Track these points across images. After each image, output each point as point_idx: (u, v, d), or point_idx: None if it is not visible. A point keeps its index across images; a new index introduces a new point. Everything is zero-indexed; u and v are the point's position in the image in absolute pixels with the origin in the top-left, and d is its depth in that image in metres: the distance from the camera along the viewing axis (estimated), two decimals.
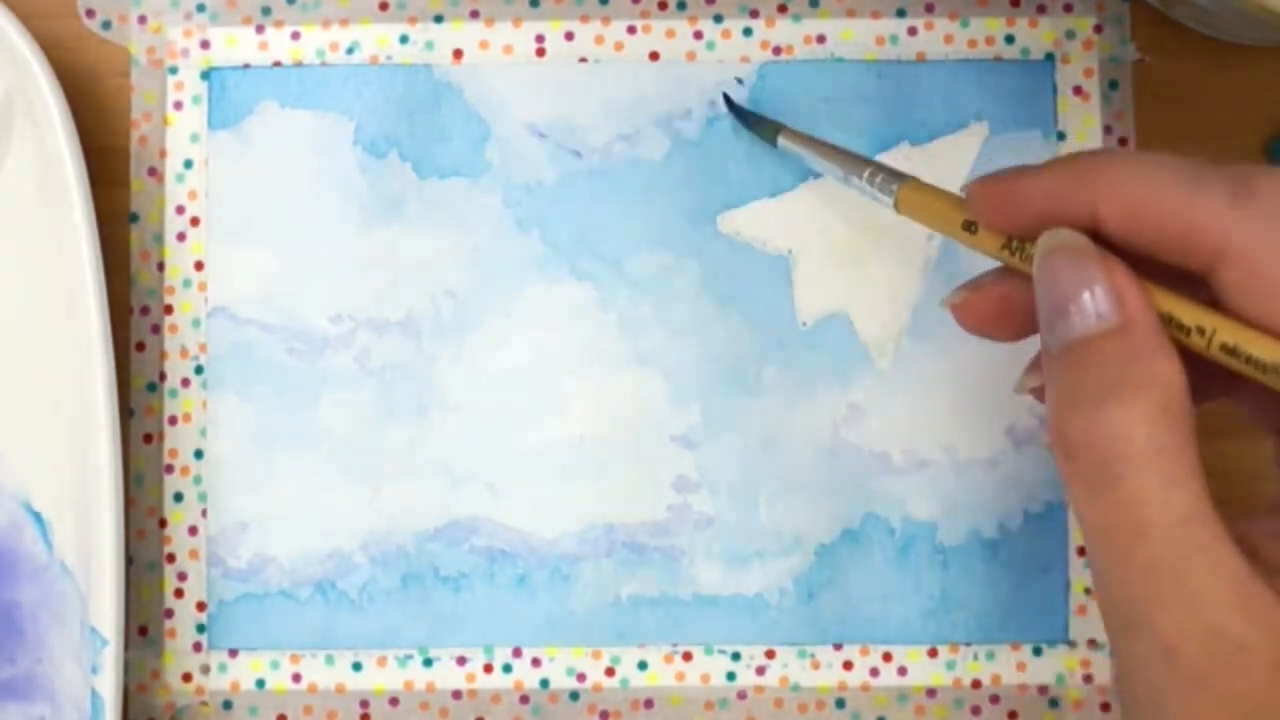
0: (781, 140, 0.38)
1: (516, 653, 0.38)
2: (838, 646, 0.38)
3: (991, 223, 0.29)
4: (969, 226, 0.30)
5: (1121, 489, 0.26)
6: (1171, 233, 0.27)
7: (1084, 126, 0.39)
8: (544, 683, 0.38)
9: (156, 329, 0.39)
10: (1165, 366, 0.26)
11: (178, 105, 0.39)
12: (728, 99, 0.39)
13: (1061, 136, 0.39)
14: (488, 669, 0.38)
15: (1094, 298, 0.27)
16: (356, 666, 0.38)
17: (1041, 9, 0.39)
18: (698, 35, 0.39)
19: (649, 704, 0.38)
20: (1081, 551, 0.38)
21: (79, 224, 0.36)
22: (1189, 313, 0.27)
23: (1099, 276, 0.27)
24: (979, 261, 0.39)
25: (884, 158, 0.39)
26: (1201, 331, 0.26)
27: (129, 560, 0.38)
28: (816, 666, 0.38)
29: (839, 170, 0.35)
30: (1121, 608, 0.26)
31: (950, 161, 0.39)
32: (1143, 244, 0.27)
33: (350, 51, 0.39)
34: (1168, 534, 0.25)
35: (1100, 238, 0.27)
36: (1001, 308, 0.30)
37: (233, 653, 0.38)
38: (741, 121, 0.39)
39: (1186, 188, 0.26)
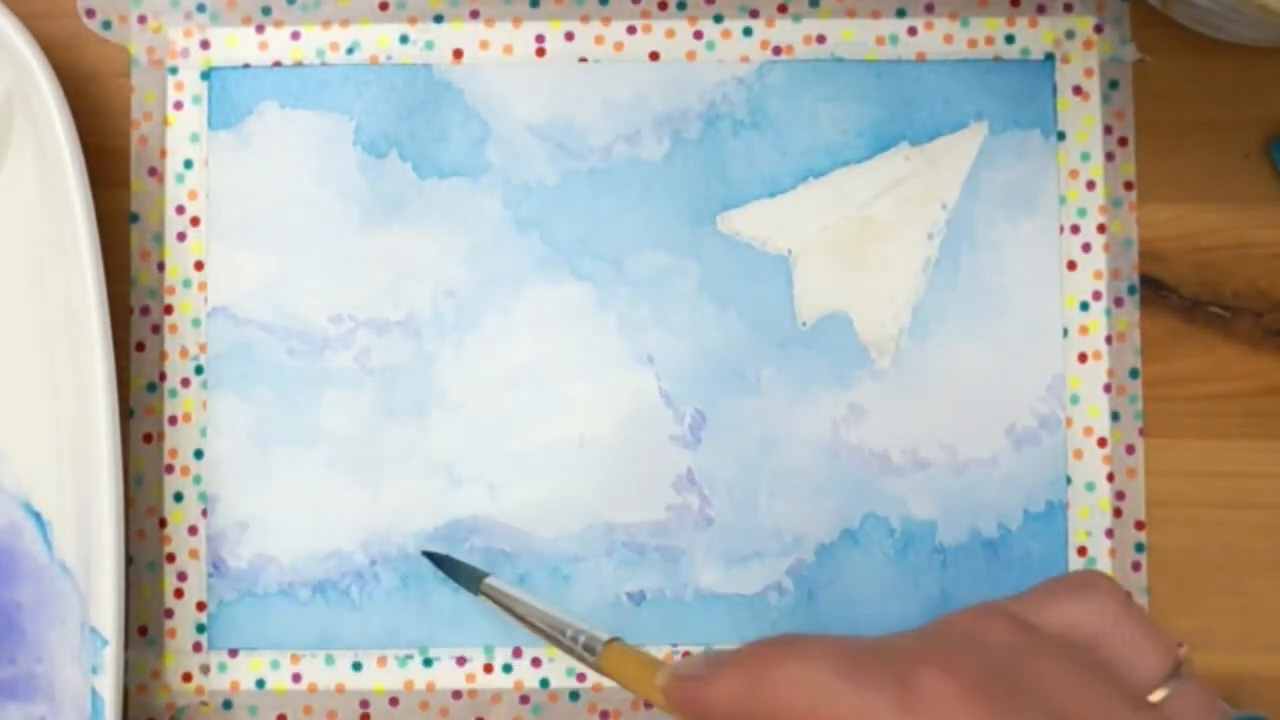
0: (485, 588, 0.37)
1: (517, 653, 0.38)
2: None
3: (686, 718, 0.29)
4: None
5: None
6: None
7: (1084, 126, 0.39)
8: (544, 683, 0.38)
9: (156, 329, 0.39)
10: None
11: (178, 105, 0.39)
12: (427, 553, 0.38)
13: (1061, 136, 0.39)
14: (488, 669, 0.38)
15: None
16: (356, 666, 0.38)
17: (1041, 9, 0.39)
18: (698, 35, 0.39)
19: (649, 704, 0.38)
20: (1082, 551, 0.38)
21: (79, 224, 0.36)
22: None
23: None
24: (979, 261, 0.39)
25: (884, 158, 0.39)
26: None
27: (129, 560, 0.38)
28: None
29: (541, 629, 0.35)
30: None
31: (950, 161, 0.39)
32: None
33: (350, 51, 0.39)
34: None
35: None
36: None
37: (233, 653, 0.38)
38: (442, 569, 0.38)
39: (851, 693, 0.26)
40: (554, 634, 0.35)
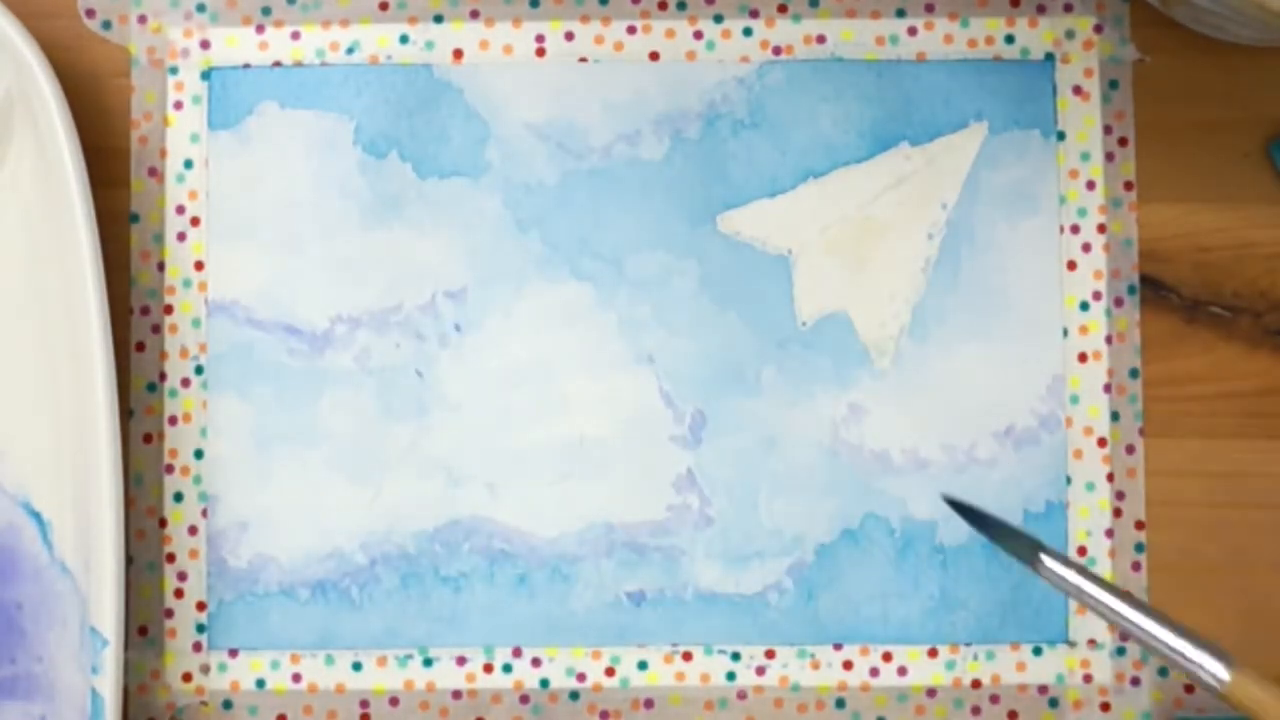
0: (1045, 564, 0.33)
1: (516, 653, 0.38)
2: (838, 646, 0.38)
3: None
4: None
5: None
6: None
7: (1084, 126, 0.39)
8: (544, 683, 0.38)
9: (156, 329, 0.39)
10: None
11: (178, 105, 0.39)
12: (954, 503, 0.35)
13: (1061, 136, 0.39)
14: (488, 669, 0.38)
15: None
16: (356, 666, 0.38)
17: (1041, 9, 0.39)
18: (698, 35, 0.39)
19: (649, 704, 0.38)
20: (1082, 551, 0.38)
21: (79, 224, 0.36)
22: None
23: None
24: (979, 261, 0.39)
25: (884, 158, 0.39)
26: None
27: (129, 560, 0.38)
28: (816, 666, 0.38)
29: (1119, 617, 0.32)
30: None
31: (950, 161, 0.39)
32: None
33: (350, 51, 0.39)
34: None
35: None
36: None
37: (233, 653, 0.38)
38: (979, 528, 0.34)
39: None
40: (1155, 642, 0.32)
